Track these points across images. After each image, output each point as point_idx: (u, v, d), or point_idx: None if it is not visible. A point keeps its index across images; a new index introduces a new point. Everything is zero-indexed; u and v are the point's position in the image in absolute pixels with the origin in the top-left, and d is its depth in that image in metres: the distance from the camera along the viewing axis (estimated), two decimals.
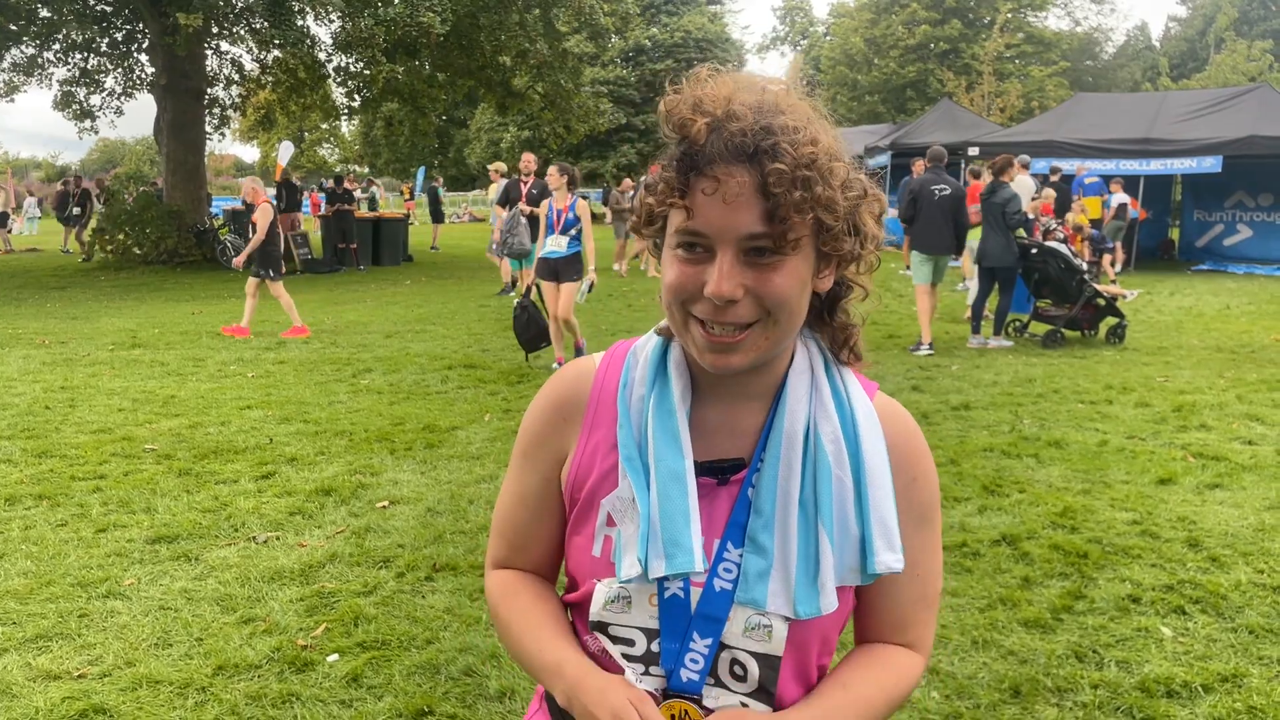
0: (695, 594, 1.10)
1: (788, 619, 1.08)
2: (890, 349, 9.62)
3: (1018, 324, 10.38)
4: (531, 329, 8.54)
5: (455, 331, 10.92)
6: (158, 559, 4.33)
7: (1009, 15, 40.31)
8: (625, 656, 1.12)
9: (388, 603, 3.86)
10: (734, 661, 1.10)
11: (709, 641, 1.09)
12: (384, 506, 4.98)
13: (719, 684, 1.11)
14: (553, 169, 8.54)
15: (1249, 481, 5.28)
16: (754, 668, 1.09)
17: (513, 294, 14.32)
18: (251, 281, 10.47)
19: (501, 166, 15.75)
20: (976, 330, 9.88)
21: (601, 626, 1.12)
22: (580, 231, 8.39)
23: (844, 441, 1.12)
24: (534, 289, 8.71)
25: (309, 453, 5.95)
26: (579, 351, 8.33)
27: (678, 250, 1.05)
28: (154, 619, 3.75)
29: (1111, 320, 10.06)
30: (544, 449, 1.21)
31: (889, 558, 1.10)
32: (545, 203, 8.60)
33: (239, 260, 10.49)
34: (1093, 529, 4.58)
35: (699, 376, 1.15)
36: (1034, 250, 9.91)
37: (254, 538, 4.58)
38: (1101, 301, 9.97)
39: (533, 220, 10.15)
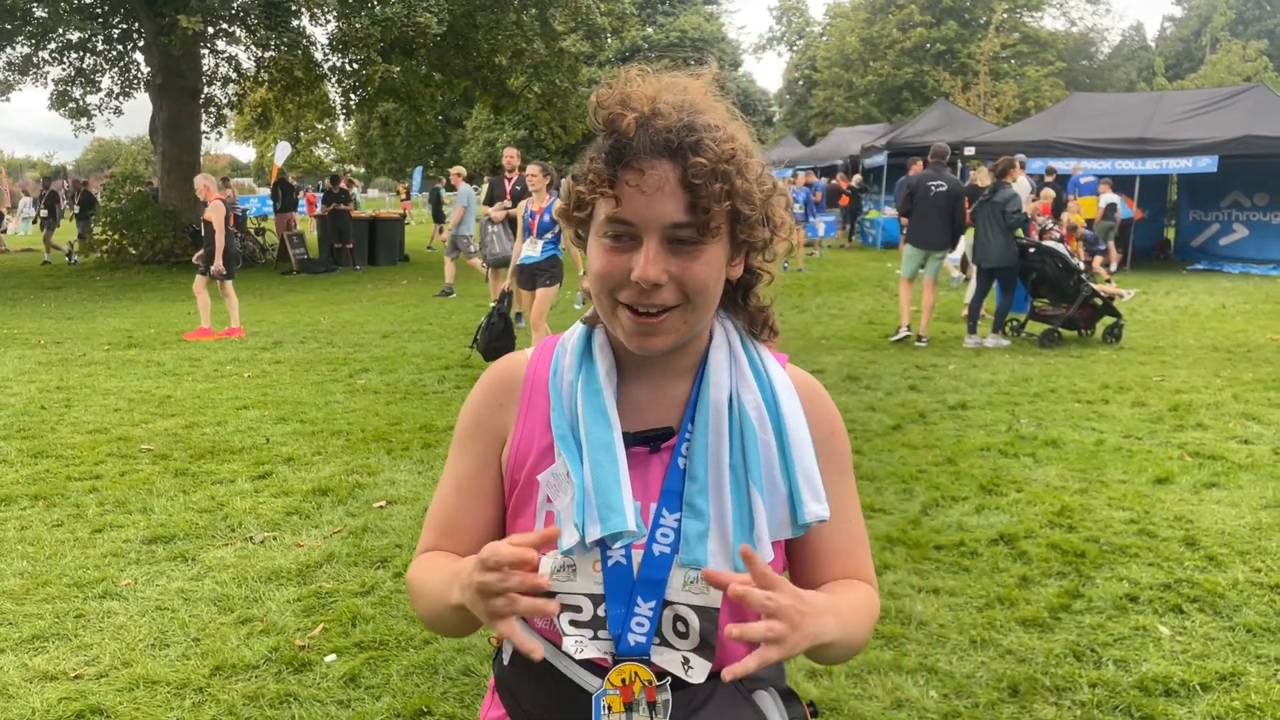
0: (638, 560, 1.15)
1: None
2: (887, 349, 9.62)
3: (1015, 323, 10.38)
4: (502, 340, 7.88)
5: (452, 331, 10.91)
6: (154, 559, 4.32)
7: (1004, 15, 40.36)
8: (574, 622, 1.16)
9: (385, 602, 3.85)
10: (676, 618, 1.15)
11: (652, 604, 1.14)
12: (381, 506, 4.97)
13: (664, 643, 1.16)
14: (533, 168, 8.09)
15: (1245, 480, 5.29)
16: (694, 621, 1.14)
17: (453, 295, 14.36)
18: (199, 280, 10.34)
19: (462, 170, 15.73)
20: (973, 330, 9.89)
21: (551, 595, 1.15)
22: (558, 235, 7.88)
23: (765, 407, 1.21)
24: (509, 298, 8.23)
25: (306, 453, 5.94)
26: None
27: (605, 239, 1.13)
28: (151, 619, 3.74)
29: (1108, 320, 10.07)
30: (481, 432, 1.27)
31: (816, 507, 1.19)
32: (522, 204, 8.21)
33: (216, 267, 10.25)
34: (1090, 528, 4.58)
35: (624, 358, 1.24)
36: (1032, 250, 9.92)
37: (251, 538, 4.57)
38: (1099, 301, 9.98)
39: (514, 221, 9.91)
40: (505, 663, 1.28)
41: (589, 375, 1.21)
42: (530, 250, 7.98)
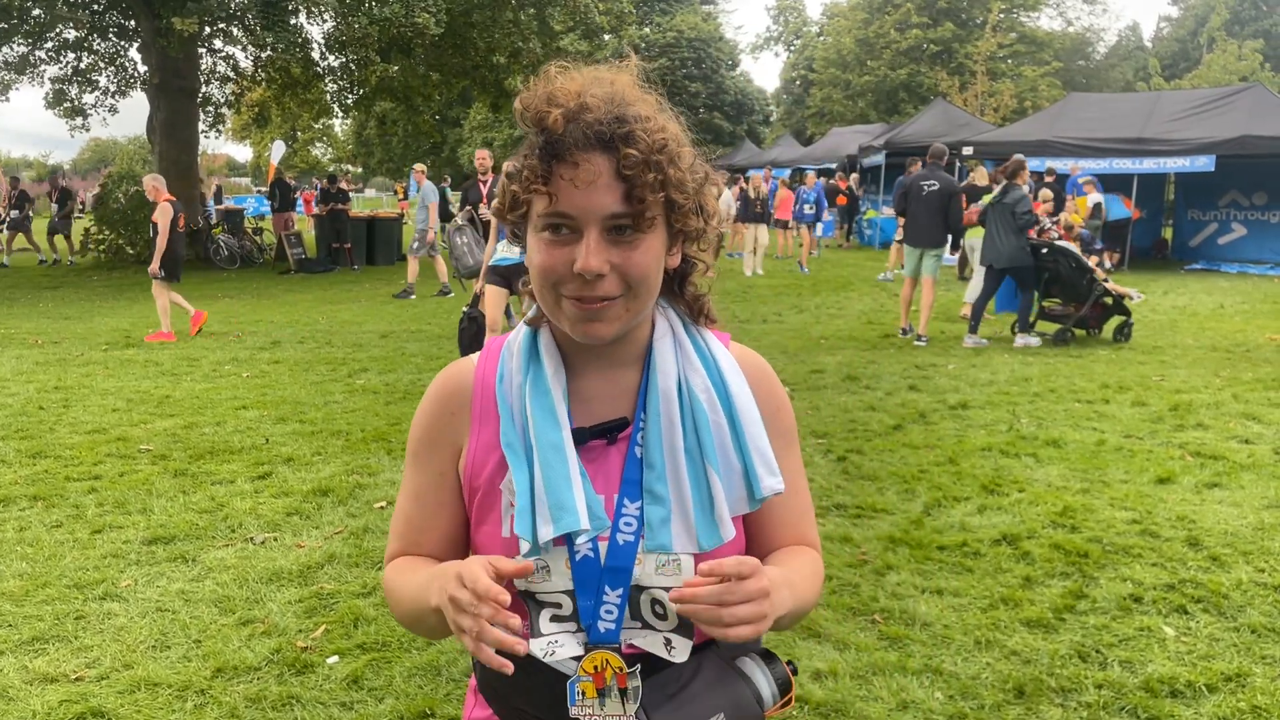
0: (605, 551, 1.18)
1: (693, 554, 1.18)
2: (886, 349, 9.62)
3: (1036, 320, 10.46)
4: (476, 341, 7.51)
5: (450, 331, 10.88)
6: (154, 560, 4.30)
7: (1001, 15, 40.40)
8: (555, 618, 1.19)
9: (387, 603, 3.83)
10: (654, 601, 1.18)
11: (620, 591, 1.17)
12: (382, 507, 4.95)
13: (646, 626, 1.19)
14: (508, 164, 7.92)
15: (1247, 480, 5.28)
16: (670, 603, 1.15)
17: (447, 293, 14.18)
18: (156, 282, 10.19)
19: (423, 167, 15.61)
20: (974, 330, 9.89)
21: (530, 595, 1.19)
22: None
23: (714, 389, 1.23)
24: (481, 296, 7.72)
25: (305, 453, 5.92)
26: None
27: (544, 234, 1.14)
28: (151, 621, 3.72)
29: (1118, 319, 10.14)
30: (436, 446, 1.29)
31: (772, 481, 1.22)
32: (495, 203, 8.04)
33: (153, 267, 10.05)
34: (1093, 528, 4.58)
35: (571, 354, 1.25)
36: (1045, 250, 9.98)
37: (251, 538, 4.55)
38: (1109, 300, 10.05)
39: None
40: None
41: (536, 376, 1.23)
42: (507, 253, 7.49)
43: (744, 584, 1.05)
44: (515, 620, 1.03)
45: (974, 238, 10.73)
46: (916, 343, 9.85)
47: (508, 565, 1.07)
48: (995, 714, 3.03)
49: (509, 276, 7.54)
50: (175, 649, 3.49)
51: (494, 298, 7.59)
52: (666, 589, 1.17)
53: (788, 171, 29.26)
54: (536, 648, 1.18)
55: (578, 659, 1.17)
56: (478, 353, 1.33)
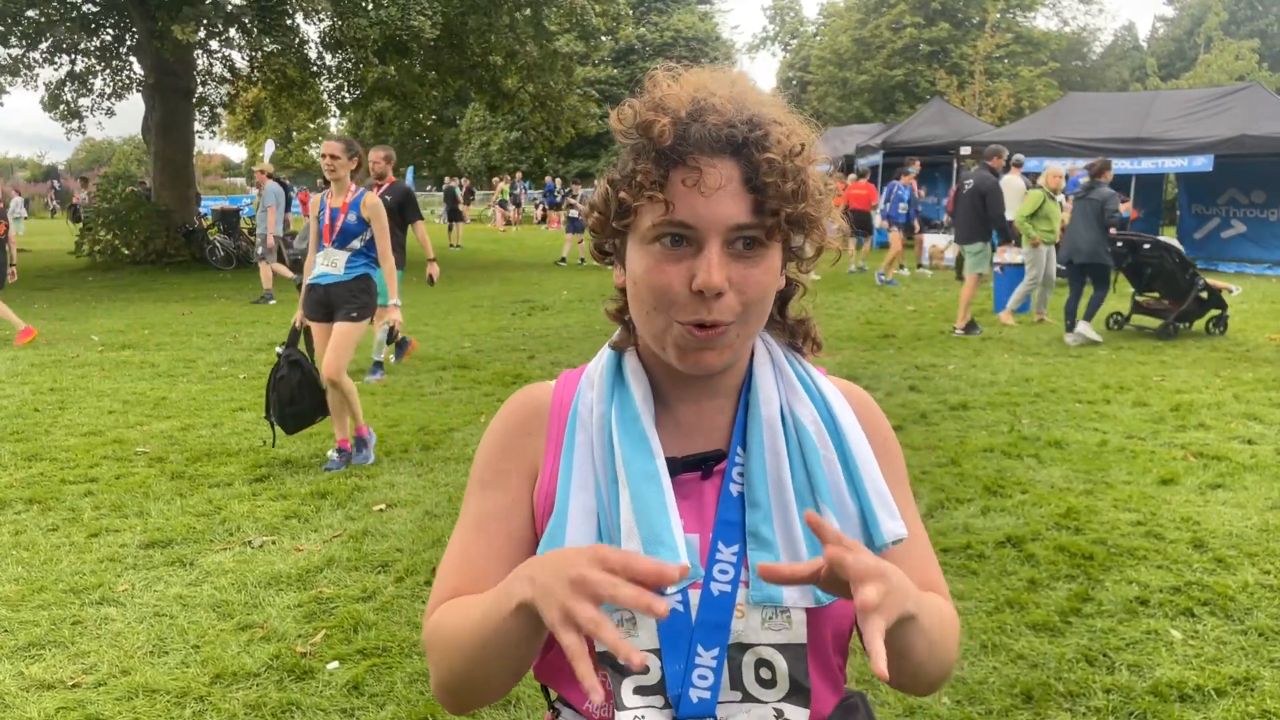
0: (696, 604, 1.03)
1: (806, 609, 1.04)
2: (885, 349, 9.59)
3: (1118, 317, 10.71)
4: (302, 396, 5.42)
5: (448, 332, 10.86)
6: (151, 564, 4.26)
7: (998, 15, 40.44)
8: (640, 689, 1.02)
9: (387, 608, 3.80)
10: (759, 663, 1.03)
11: (715, 652, 1.01)
12: (381, 509, 4.92)
13: (748, 698, 1.02)
14: (333, 145, 5.58)
15: (1250, 481, 5.26)
16: (781, 663, 1.03)
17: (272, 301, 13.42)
18: None
19: (269, 167, 15.32)
20: (1071, 329, 9.96)
21: (610, 657, 1.02)
22: (371, 244, 5.58)
23: (823, 423, 1.11)
24: (300, 335, 5.65)
25: (303, 455, 5.88)
26: (361, 444, 5.71)
27: (655, 245, 1.01)
28: (149, 626, 3.68)
29: (1214, 312, 10.34)
30: (509, 468, 1.13)
31: (894, 525, 1.08)
32: (315, 198, 5.71)
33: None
34: (1097, 530, 4.55)
35: (661, 383, 1.13)
36: (1147, 245, 10.15)
37: (249, 542, 4.51)
38: (1205, 295, 10.19)
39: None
40: None
41: (624, 403, 1.09)
42: (328, 266, 5.52)
43: (859, 551, 0.89)
44: (661, 607, 0.81)
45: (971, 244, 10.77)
46: (962, 333, 10.28)
47: (644, 563, 0.84)
48: (1003, 719, 3.00)
49: (331, 304, 5.53)
50: (173, 654, 3.45)
51: (320, 338, 5.61)
52: (776, 646, 1.03)
53: (868, 161, 28.78)
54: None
55: None
56: (550, 381, 1.18)
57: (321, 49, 20.21)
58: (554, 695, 1.16)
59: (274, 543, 4.51)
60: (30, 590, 3.97)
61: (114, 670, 3.33)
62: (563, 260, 19.69)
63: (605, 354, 1.17)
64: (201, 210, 20.88)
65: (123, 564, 4.25)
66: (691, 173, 0.98)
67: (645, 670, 1.02)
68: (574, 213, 19.00)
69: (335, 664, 3.37)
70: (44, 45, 19.83)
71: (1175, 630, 3.57)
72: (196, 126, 21.07)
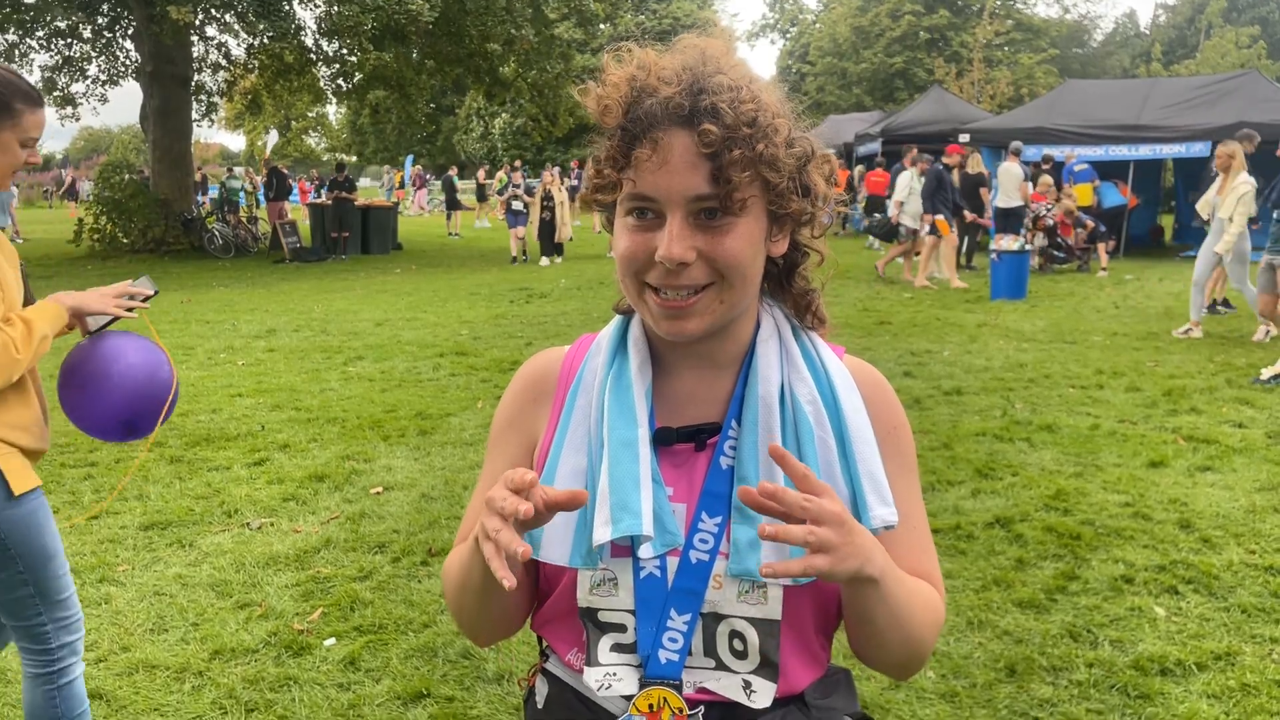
0: (674, 570, 1.06)
1: (784, 585, 1.06)
2: (881, 335, 9.63)
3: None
4: None
5: (446, 319, 10.89)
6: (151, 545, 4.31)
7: (998, 2, 40.34)
8: (617, 647, 1.07)
9: (384, 587, 3.85)
10: (733, 634, 1.06)
11: (687, 617, 1.05)
12: (378, 492, 4.97)
13: (721, 666, 1.07)
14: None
15: (1239, 464, 5.31)
16: (753, 636, 1.06)
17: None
18: None
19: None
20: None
21: (591, 613, 1.08)
22: None
23: (822, 403, 1.11)
24: None
25: (301, 439, 5.93)
26: None
27: (628, 218, 1.06)
28: (149, 604, 3.74)
29: None
30: (513, 432, 1.20)
31: (884, 511, 1.08)
32: None
33: None
34: (1085, 511, 4.60)
35: (663, 350, 1.15)
36: None
37: (248, 524, 4.57)
38: None
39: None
40: (539, 705, 1.18)
41: (620, 369, 1.13)
42: None
43: (824, 495, 0.93)
44: (523, 509, 0.91)
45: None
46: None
47: (554, 492, 0.94)
48: (987, 692, 3.06)
49: None
50: (173, 632, 3.51)
51: None
52: (750, 620, 1.05)
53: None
54: (591, 679, 1.07)
55: (631, 697, 1.05)
56: (565, 347, 1.24)
57: (318, 36, 20.17)
58: (544, 644, 1.22)
59: (272, 524, 4.57)
60: None
61: (114, 647, 3.39)
62: (515, 260, 17.47)
63: (615, 321, 1.21)
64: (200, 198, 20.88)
65: (122, 545, 4.31)
66: (648, 147, 1.01)
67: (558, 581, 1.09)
68: (517, 204, 16.91)
69: (332, 640, 3.42)
70: (39, 33, 19.82)
71: (1159, 607, 3.62)
72: (194, 115, 21.06)
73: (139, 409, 2.31)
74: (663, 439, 1.10)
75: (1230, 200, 8.89)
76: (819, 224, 1.13)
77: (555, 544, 1.08)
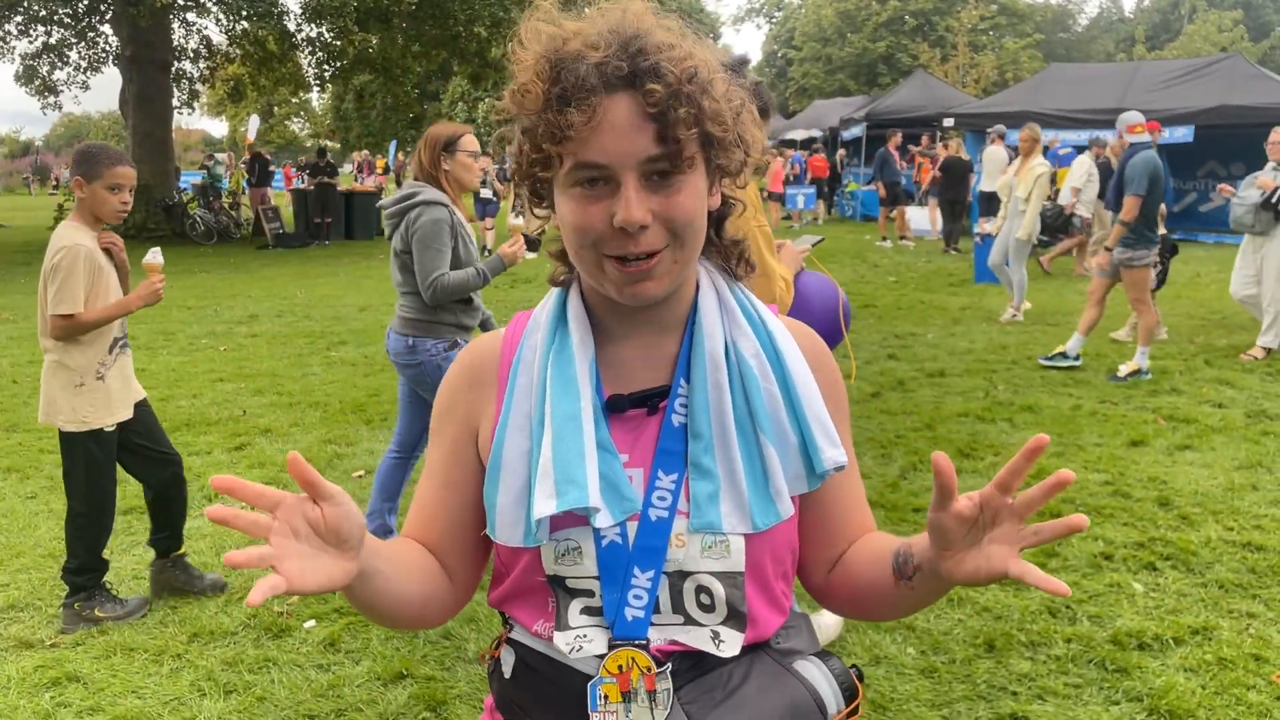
0: (634, 533, 1.07)
1: (745, 534, 1.07)
2: (866, 318, 9.65)
3: None
4: None
5: None
6: (130, 530, 4.29)
7: None
8: (587, 610, 1.08)
9: None
10: (699, 589, 1.06)
11: (650, 574, 1.05)
12: (359, 476, 4.95)
13: (690, 621, 1.07)
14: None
15: (1218, 442, 5.35)
16: (719, 589, 1.06)
17: None
18: None
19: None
20: None
21: (559, 580, 1.08)
22: None
23: (765, 355, 1.12)
24: None
25: (283, 424, 5.90)
26: None
27: (575, 190, 1.02)
28: (127, 588, 3.72)
29: None
30: (451, 418, 1.18)
31: (834, 453, 1.10)
32: None
33: None
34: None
35: (606, 319, 1.14)
36: None
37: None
38: None
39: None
40: (506, 676, 1.17)
41: (562, 345, 1.11)
42: None
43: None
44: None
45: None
46: None
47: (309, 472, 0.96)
48: (966, 667, 3.07)
49: None
50: (151, 615, 3.49)
51: None
52: (715, 574, 1.06)
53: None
54: (561, 642, 1.07)
55: (603, 657, 1.06)
56: (504, 327, 1.22)
57: (301, 21, 19.97)
58: (507, 615, 1.21)
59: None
60: (8, 555, 4.00)
61: (91, 630, 3.37)
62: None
63: (552, 293, 1.18)
64: (181, 185, 20.70)
65: None
66: (588, 113, 0.98)
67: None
68: (486, 192, 16.07)
69: (312, 623, 3.41)
70: (18, 19, 19.56)
71: (1137, 583, 3.65)
72: (174, 102, 20.84)
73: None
74: (615, 406, 1.10)
75: (1028, 180, 9.18)
76: (746, 175, 1.12)
77: (507, 526, 1.08)
